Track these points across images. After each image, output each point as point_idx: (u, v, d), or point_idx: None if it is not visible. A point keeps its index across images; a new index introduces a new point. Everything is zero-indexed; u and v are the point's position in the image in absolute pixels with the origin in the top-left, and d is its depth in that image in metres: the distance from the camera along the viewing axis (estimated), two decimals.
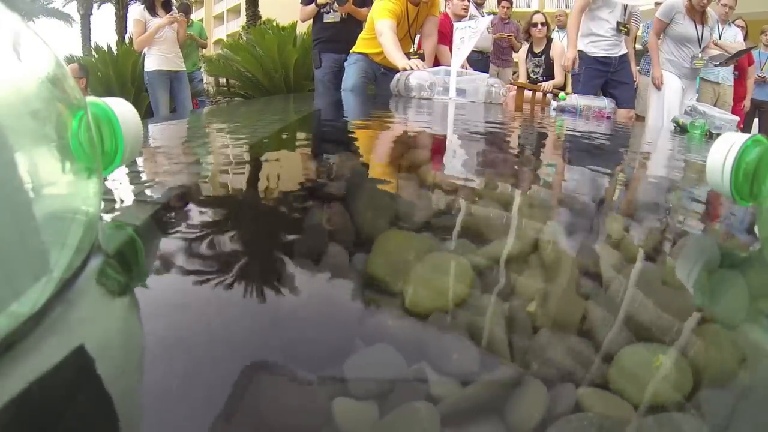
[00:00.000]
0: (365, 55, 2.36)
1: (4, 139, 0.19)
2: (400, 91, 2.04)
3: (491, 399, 0.19)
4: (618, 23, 2.51)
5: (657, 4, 3.15)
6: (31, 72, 0.23)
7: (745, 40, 3.39)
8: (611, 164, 0.84)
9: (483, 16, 3.24)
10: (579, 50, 2.51)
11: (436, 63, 2.51)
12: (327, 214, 0.37)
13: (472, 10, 3.16)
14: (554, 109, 2.15)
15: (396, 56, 2.12)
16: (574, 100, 2.21)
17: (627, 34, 2.60)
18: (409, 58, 2.15)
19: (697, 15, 2.62)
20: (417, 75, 2.00)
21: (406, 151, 0.78)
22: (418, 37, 2.54)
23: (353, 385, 0.18)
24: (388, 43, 2.14)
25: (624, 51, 2.57)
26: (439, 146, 0.83)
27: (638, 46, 3.95)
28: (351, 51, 2.42)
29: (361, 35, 2.39)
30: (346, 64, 2.45)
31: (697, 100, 2.90)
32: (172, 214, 0.38)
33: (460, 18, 2.83)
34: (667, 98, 2.68)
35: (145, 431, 0.16)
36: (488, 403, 0.18)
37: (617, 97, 2.47)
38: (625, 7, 2.56)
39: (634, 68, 2.81)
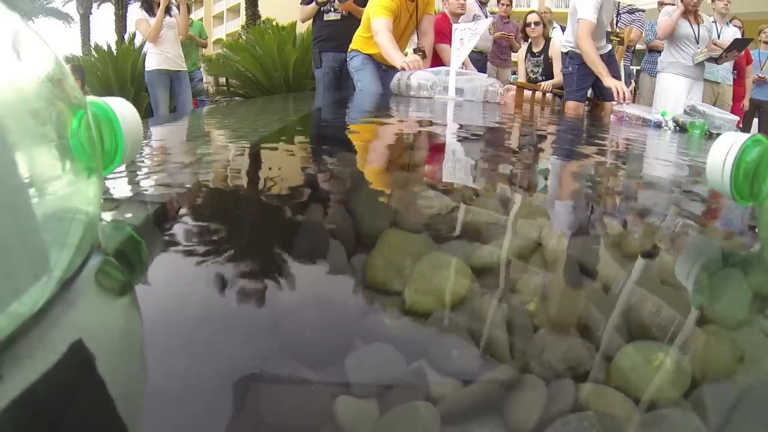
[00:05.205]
0: (367, 54, 2.33)
1: (4, 138, 0.19)
2: (401, 90, 2.03)
3: (490, 398, 0.19)
4: (608, 33, 2.54)
5: (660, 3, 3.18)
6: (31, 72, 0.23)
7: None
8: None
9: (487, 15, 3.24)
10: (570, 50, 2.52)
11: (437, 61, 2.51)
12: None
13: (477, 9, 3.16)
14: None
15: (394, 55, 2.11)
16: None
17: (621, 43, 2.64)
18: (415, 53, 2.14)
19: (691, 15, 2.74)
20: (418, 75, 1.99)
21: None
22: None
23: (352, 384, 0.18)
24: (385, 42, 2.13)
25: (609, 47, 2.60)
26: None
27: (641, 46, 3.95)
28: (351, 48, 2.38)
29: (359, 33, 2.35)
30: (351, 66, 2.40)
31: None
32: (172, 213, 0.38)
33: (457, 16, 2.82)
34: (671, 99, 2.71)
35: (146, 430, 0.16)
36: (487, 401, 0.18)
37: (605, 90, 2.45)
38: (618, 5, 2.59)
39: (621, 66, 2.86)
